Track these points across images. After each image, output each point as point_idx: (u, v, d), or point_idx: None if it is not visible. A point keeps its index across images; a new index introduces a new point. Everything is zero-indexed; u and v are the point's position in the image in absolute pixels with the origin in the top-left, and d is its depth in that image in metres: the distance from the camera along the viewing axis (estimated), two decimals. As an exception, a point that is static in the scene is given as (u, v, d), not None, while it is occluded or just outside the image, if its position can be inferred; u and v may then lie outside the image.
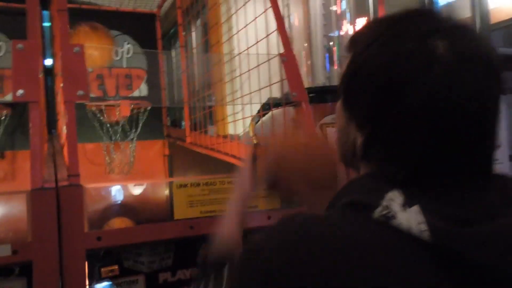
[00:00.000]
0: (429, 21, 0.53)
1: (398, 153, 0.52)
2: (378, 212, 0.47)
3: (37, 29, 1.37)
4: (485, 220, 0.46)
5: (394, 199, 0.48)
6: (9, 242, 1.01)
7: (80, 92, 1.30)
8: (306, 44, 2.22)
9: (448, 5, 2.47)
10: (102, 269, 1.10)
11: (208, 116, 2.44)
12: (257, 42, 1.84)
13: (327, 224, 0.50)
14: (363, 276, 0.43)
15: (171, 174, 3.26)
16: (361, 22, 2.22)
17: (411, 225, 0.45)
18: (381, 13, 2.05)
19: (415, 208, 0.46)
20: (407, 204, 0.47)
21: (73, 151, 1.24)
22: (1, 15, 3.06)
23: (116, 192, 1.43)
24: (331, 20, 2.19)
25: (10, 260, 1.00)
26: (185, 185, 1.16)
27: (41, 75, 1.32)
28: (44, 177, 1.27)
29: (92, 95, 3.15)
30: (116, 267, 1.11)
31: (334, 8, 2.17)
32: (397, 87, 0.50)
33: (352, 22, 2.21)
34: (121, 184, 1.63)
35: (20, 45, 1.28)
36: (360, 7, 2.13)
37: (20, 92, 1.23)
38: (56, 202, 1.05)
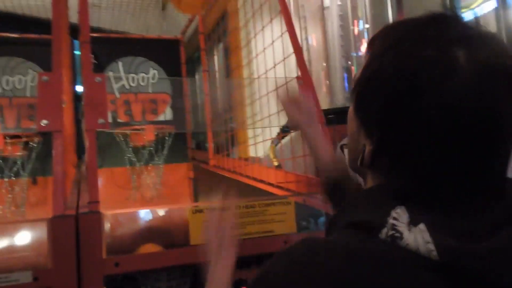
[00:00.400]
0: (453, 28, 0.50)
1: (406, 164, 0.50)
2: (384, 233, 0.45)
3: (61, 62, 1.43)
4: (495, 232, 0.44)
5: (399, 218, 0.46)
6: (30, 269, 1.04)
7: (101, 121, 1.35)
8: (325, 64, 2.22)
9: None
10: (120, 295, 1.12)
11: (230, 139, 2.47)
12: (275, 65, 1.86)
13: (333, 248, 0.47)
14: None
15: (195, 197, 3.29)
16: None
17: (419, 245, 0.43)
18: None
19: (421, 227, 0.44)
20: (413, 222, 0.45)
21: (93, 177, 1.27)
22: (35, 46, 3.23)
23: (137, 218, 1.46)
24: (350, 41, 2.19)
25: (31, 286, 1.03)
26: (200, 211, 1.17)
27: (64, 105, 1.37)
28: (67, 204, 1.32)
29: (119, 120, 3.24)
30: (133, 292, 1.13)
31: (352, 28, 2.17)
32: (412, 95, 0.47)
33: (371, 42, 2.19)
34: (140, 209, 1.66)
35: (45, 77, 1.34)
36: (378, 26, 2.12)
37: (44, 122, 1.28)
38: (76, 228, 1.08)
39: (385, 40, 0.54)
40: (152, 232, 1.45)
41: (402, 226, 0.45)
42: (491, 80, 0.46)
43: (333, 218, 0.56)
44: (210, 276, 0.85)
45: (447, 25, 0.50)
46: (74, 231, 1.07)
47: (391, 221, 0.46)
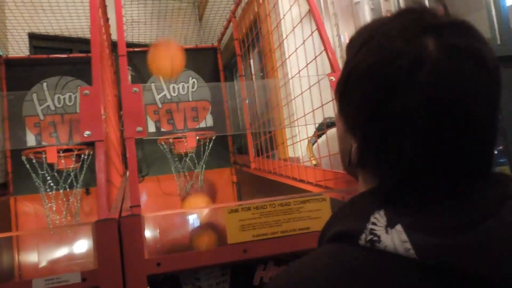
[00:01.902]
0: (421, 19, 0.50)
1: (387, 160, 0.50)
2: (363, 239, 0.46)
3: (100, 75, 1.51)
4: (477, 226, 0.43)
5: (377, 222, 0.47)
6: (79, 270, 1.10)
7: (139, 128, 1.42)
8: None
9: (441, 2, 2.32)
10: (163, 294, 1.16)
11: (269, 140, 2.49)
12: (307, 64, 1.86)
13: (315, 263, 0.49)
14: None
15: (240, 200, 3.34)
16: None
17: (396, 246, 0.44)
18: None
19: (398, 228, 0.45)
20: (390, 224, 0.45)
21: (134, 183, 1.33)
22: (82, 65, 3.42)
23: (179, 219, 1.51)
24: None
25: (80, 286, 1.10)
26: (236, 210, 1.20)
27: (104, 116, 1.45)
28: (111, 209, 1.39)
29: (163, 129, 3.36)
30: (175, 291, 1.17)
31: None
32: (386, 89, 0.48)
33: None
34: (180, 211, 1.72)
35: (86, 91, 1.42)
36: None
37: (87, 132, 1.37)
38: (118, 231, 1.14)
39: (359, 38, 0.55)
40: (195, 232, 1.49)
41: (380, 230, 0.46)
42: (460, 63, 0.46)
43: (322, 231, 0.56)
44: None
45: (415, 16, 0.51)
46: (117, 234, 1.13)
47: (370, 226, 0.47)
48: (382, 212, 0.47)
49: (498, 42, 2.45)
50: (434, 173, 0.48)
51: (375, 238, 0.45)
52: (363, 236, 0.47)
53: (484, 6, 2.49)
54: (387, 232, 0.45)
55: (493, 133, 0.50)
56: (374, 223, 0.47)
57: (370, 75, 0.50)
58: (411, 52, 0.47)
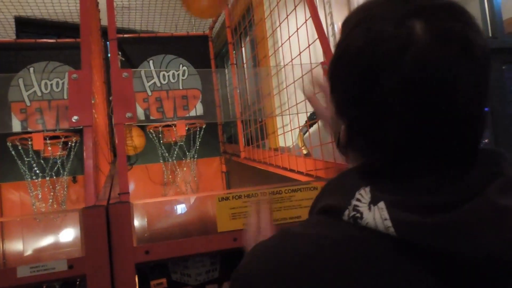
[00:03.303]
0: (410, 2, 0.50)
1: (374, 140, 0.51)
2: (347, 215, 0.47)
3: (89, 60, 1.47)
4: (459, 206, 0.43)
5: (361, 198, 0.47)
6: (65, 258, 1.08)
7: (129, 114, 1.39)
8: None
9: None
10: (151, 282, 1.15)
11: (259, 130, 2.47)
12: (300, 53, 1.84)
13: (301, 232, 0.51)
14: (332, 279, 0.43)
15: (229, 189, 3.32)
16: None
17: (377, 223, 0.45)
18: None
19: (380, 205, 0.45)
20: (374, 201, 0.46)
21: (123, 169, 1.31)
22: (70, 50, 3.35)
23: (167, 207, 1.49)
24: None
25: (66, 274, 1.07)
26: (227, 198, 1.18)
27: (93, 101, 1.41)
28: (99, 196, 1.36)
29: (152, 117, 3.32)
30: (164, 280, 1.15)
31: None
32: (374, 71, 0.48)
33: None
34: (169, 199, 1.69)
35: (74, 75, 1.39)
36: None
37: (75, 118, 1.33)
38: (106, 218, 1.11)
39: (352, 19, 0.55)
40: (185, 221, 1.48)
41: (363, 206, 0.47)
42: (445, 48, 0.46)
43: (312, 203, 0.57)
44: None
45: (405, 0, 0.50)
46: (104, 221, 1.11)
47: (354, 202, 0.48)
48: (368, 189, 0.48)
49: (490, 34, 2.46)
50: (419, 153, 0.49)
51: (358, 215, 0.46)
52: (347, 212, 0.48)
53: (476, -1, 2.49)
54: (369, 209, 0.46)
55: (479, 120, 0.50)
56: (358, 199, 0.48)
57: (358, 58, 0.51)
58: (398, 36, 0.47)
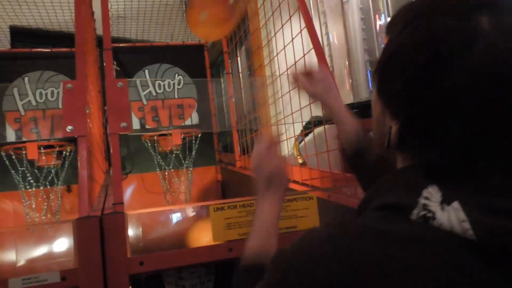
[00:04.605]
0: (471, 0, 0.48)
1: (436, 139, 0.48)
2: (416, 214, 0.44)
3: (84, 69, 1.47)
4: None
5: (431, 197, 0.44)
6: (58, 269, 1.06)
7: (123, 124, 1.38)
8: (347, 60, 2.19)
9: None
10: (146, 294, 1.13)
11: (255, 139, 2.47)
12: (295, 62, 1.85)
13: (362, 229, 0.45)
14: (407, 283, 0.39)
15: (224, 199, 3.31)
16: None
17: (453, 225, 0.41)
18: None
19: (455, 205, 0.42)
20: (446, 201, 0.43)
21: (118, 179, 1.30)
22: (65, 59, 3.35)
23: (163, 218, 1.48)
24: (372, 34, 2.15)
25: (59, 286, 1.06)
26: (222, 208, 1.17)
27: (88, 111, 1.40)
28: (93, 206, 1.35)
29: (147, 126, 3.31)
30: (158, 291, 1.14)
31: (373, 21, 2.13)
32: (437, 66, 0.46)
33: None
34: (164, 209, 1.68)
35: (69, 85, 1.38)
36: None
37: (69, 127, 1.33)
38: (100, 229, 1.10)
39: (402, 18, 0.52)
40: (176, 232, 1.47)
41: (435, 206, 0.43)
42: None
43: (362, 202, 0.54)
44: (257, 214, 0.81)
45: None
46: (98, 232, 1.10)
47: (422, 201, 0.44)
48: (435, 187, 0.45)
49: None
50: (488, 153, 0.46)
51: (429, 215, 0.43)
52: (416, 211, 0.44)
53: None
54: (442, 209, 0.43)
55: None
56: (427, 198, 0.44)
57: (418, 54, 0.48)
58: (464, 29, 0.45)
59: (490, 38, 0.44)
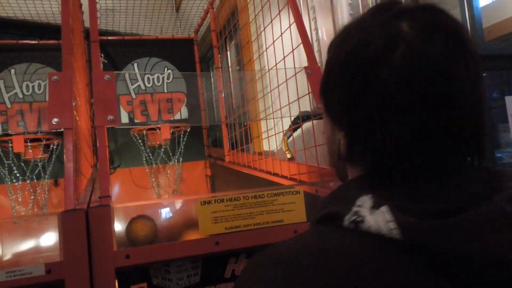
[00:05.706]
0: (392, 8, 0.51)
1: (374, 147, 0.50)
2: (347, 219, 0.46)
3: (71, 62, 1.46)
4: (466, 208, 0.43)
5: (363, 204, 0.46)
6: (43, 262, 1.06)
7: (110, 117, 1.37)
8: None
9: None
10: (132, 287, 1.13)
11: (244, 134, 2.47)
12: (284, 57, 1.85)
13: (299, 243, 0.48)
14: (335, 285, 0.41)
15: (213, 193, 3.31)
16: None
17: (380, 226, 0.43)
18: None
19: (383, 209, 0.44)
20: (376, 206, 0.45)
21: (104, 172, 1.29)
22: (52, 52, 3.31)
23: (150, 211, 1.48)
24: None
25: (44, 279, 1.05)
26: (209, 202, 1.17)
27: (74, 103, 1.39)
28: (79, 200, 1.34)
29: (136, 120, 3.29)
30: (145, 284, 1.14)
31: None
32: (364, 72, 0.49)
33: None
34: (151, 203, 1.68)
35: (55, 77, 1.37)
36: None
37: (55, 120, 1.31)
38: (86, 222, 1.10)
39: (337, 38, 0.56)
40: (164, 225, 1.46)
41: (365, 211, 0.45)
42: (433, 37, 0.47)
43: (314, 216, 0.56)
44: None
45: (387, 7, 0.52)
46: (84, 225, 1.09)
47: (355, 208, 0.46)
48: (369, 196, 0.47)
49: (471, 42, 2.49)
50: (421, 155, 0.48)
51: (359, 219, 0.45)
52: (347, 217, 0.46)
53: (457, 6, 2.53)
54: (371, 213, 0.45)
55: (479, 115, 0.49)
56: (359, 205, 0.46)
57: (349, 62, 0.51)
58: (387, 34, 0.48)
59: (410, 39, 0.47)
